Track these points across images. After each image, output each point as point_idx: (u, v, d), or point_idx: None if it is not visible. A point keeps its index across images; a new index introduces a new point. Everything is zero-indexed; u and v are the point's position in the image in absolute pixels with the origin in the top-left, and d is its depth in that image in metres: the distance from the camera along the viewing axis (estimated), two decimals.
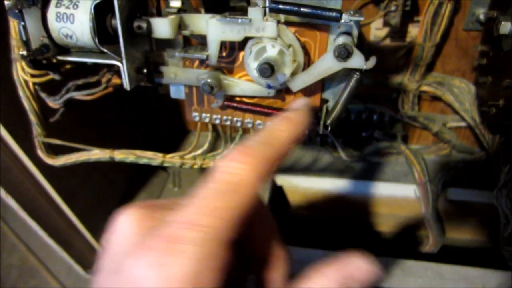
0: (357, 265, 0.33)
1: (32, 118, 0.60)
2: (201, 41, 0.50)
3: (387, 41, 0.80)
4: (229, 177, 0.30)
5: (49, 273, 1.12)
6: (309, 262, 0.74)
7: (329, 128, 0.47)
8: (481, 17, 0.71)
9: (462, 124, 0.86)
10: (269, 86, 0.46)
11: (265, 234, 0.38)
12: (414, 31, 0.77)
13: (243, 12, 0.45)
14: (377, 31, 0.79)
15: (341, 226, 1.04)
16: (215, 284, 0.28)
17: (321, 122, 0.48)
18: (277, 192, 0.99)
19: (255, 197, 0.30)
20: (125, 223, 0.31)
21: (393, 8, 0.71)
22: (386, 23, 0.76)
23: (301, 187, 0.99)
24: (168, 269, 0.26)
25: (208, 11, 0.51)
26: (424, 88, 0.83)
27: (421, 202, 0.90)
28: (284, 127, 0.35)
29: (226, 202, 0.29)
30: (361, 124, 0.91)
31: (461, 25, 0.75)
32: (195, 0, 0.52)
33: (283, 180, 0.99)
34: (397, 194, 0.96)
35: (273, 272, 0.38)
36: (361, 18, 0.41)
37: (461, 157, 0.90)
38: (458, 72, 0.81)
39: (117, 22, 0.45)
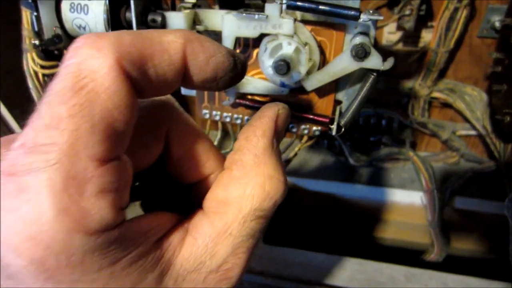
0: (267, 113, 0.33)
1: None
2: (214, 38, 0.49)
3: (400, 46, 0.80)
4: (75, 68, 0.23)
5: None
6: (312, 266, 0.73)
7: (343, 129, 0.47)
8: (497, 24, 0.71)
9: (472, 132, 0.85)
10: (283, 85, 0.45)
11: (189, 153, 0.33)
12: (427, 36, 0.77)
13: (258, 9, 0.45)
14: (390, 35, 0.78)
15: (346, 230, 1.03)
16: (100, 214, 0.23)
17: (335, 123, 0.47)
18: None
19: (122, 95, 0.23)
20: None
21: (407, 12, 0.70)
22: (399, 27, 0.75)
23: (307, 190, 0.98)
24: (15, 215, 0.21)
25: (222, 7, 0.51)
26: (435, 94, 0.82)
27: (427, 209, 0.89)
28: (171, 38, 0.26)
29: (74, 105, 0.22)
30: (370, 129, 0.90)
31: (476, 32, 0.74)
32: None
33: (288, 182, 0.98)
34: (403, 201, 0.95)
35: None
36: (381, 17, 0.40)
37: (469, 166, 0.90)
38: (470, 80, 0.81)
39: (132, 15, 0.45)
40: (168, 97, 0.32)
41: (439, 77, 0.80)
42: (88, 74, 0.22)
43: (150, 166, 0.31)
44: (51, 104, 0.22)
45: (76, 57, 0.23)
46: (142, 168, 0.31)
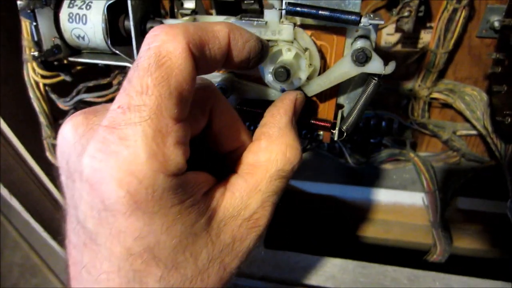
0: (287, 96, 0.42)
1: (42, 119, 0.59)
2: None
3: (399, 47, 0.79)
4: (157, 50, 0.29)
5: (50, 272, 1.12)
6: (315, 270, 0.73)
7: (345, 134, 0.46)
8: (496, 24, 0.70)
9: (473, 132, 0.84)
10: (283, 90, 0.45)
11: (227, 128, 0.39)
12: (426, 37, 0.77)
13: (256, 14, 0.44)
14: (388, 36, 0.78)
15: (347, 232, 1.03)
16: (176, 160, 0.29)
17: (337, 128, 0.47)
18: (283, 197, 0.98)
19: (189, 70, 0.30)
20: (66, 133, 0.32)
21: (406, 13, 0.70)
22: (398, 29, 0.75)
23: (308, 193, 0.98)
24: (118, 156, 0.27)
25: (219, 13, 0.50)
26: (435, 95, 0.82)
27: (429, 210, 0.89)
28: (219, 28, 0.33)
29: (157, 77, 0.28)
30: (370, 131, 0.90)
31: (475, 32, 0.74)
32: (206, 2, 0.51)
33: (288, 184, 0.98)
34: (405, 202, 0.95)
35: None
36: (381, 22, 0.40)
37: (470, 166, 0.89)
38: (470, 80, 0.80)
39: (130, 23, 0.45)
40: (210, 81, 0.38)
41: (438, 77, 0.79)
42: (166, 54, 0.29)
43: (197, 135, 0.37)
44: (139, 76, 0.28)
45: (156, 41, 0.29)
46: (191, 135, 0.35)
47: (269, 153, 0.37)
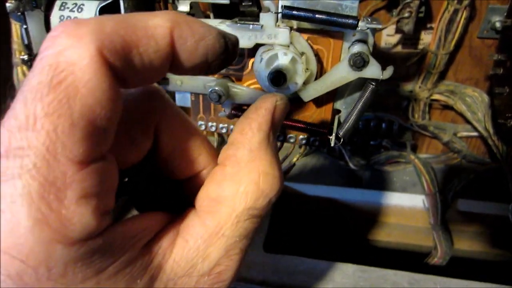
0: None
1: None
2: None
3: (399, 48, 0.78)
4: (52, 61, 0.21)
5: None
6: (315, 274, 0.72)
7: (341, 140, 0.46)
8: (497, 24, 0.69)
9: (474, 134, 0.84)
10: None
11: (180, 148, 0.31)
12: (426, 38, 0.76)
13: (254, 17, 0.43)
14: (388, 37, 0.77)
15: (347, 235, 1.02)
16: (82, 222, 0.21)
17: (333, 134, 0.46)
18: (282, 199, 0.97)
19: (104, 88, 0.21)
20: None
21: (406, 14, 0.69)
22: (398, 30, 0.74)
23: (307, 195, 0.97)
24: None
25: (217, 15, 0.49)
26: (436, 96, 0.81)
27: (430, 212, 0.88)
28: (157, 22, 0.24)
29: (51, 102, 0.20)
30: (370, 132, 0.89)
31: (476, 33, 0.73)
32: (204, 4, 0.50)
33: (287, 187, 0.97)
34: (405, 204, 0.94)
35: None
36: (379, 26, 0.39)
37: (471, 168, 0.89)
38: (471, 81, 0.79)
39: None
40: (156, 86, 0.30)
41: (439, 79, 0.79)
42: (66, 66, 0.20)
43: (139, 161, 0.30)
44: (26, 101, 0.20)
45: (53, 47, 0.21)
46: (130, 164, 0.29)
47: (237, 184, 0.29)
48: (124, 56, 0.22)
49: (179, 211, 0.30)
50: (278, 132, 0.34)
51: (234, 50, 0.29)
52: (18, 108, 0.20)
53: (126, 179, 0.31)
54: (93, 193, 0.22)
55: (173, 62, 0.25)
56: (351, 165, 0.91)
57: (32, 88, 0.20)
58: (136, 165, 0.29)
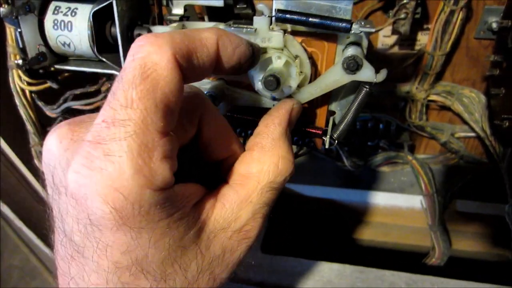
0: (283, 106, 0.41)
1: (29, 127, 0.59)
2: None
3: (395, 49, 0.78)
4: (142, 62, 0.29)
5: (50, 275, 1.12)
6: (312, 274, 0.72)
7: (336, 142, 0.46)
8: (494, 25, 0.69)
9: (471, 134, 0.84)
10: (274, 98, 0.44)
11: (217, 137, 0.39)
12: (423, 39, 0.76)
13: (248, 20, 0.43)
14: (385, 38, 0.77)
15: (344, 236, 1.02)
16: (163, 175, 0.28)
17: (327, 136, 0.46)
18: (280, 200, 0.97)
19: (175, 82, 0.29)
20: (51, 145, 0.32)
21: (402, 15, 0.69)
22: (395, 31, 0.74)
23: (305, 196, 0.97)
24: (102, 172, 0.27)
25: (212, 18, 0.49)
26: (433, 97, 0.81)
27: (428, 213, 0.88)
28: (207, 35, 0.33)
29: (142, 90, 0.28)
30: (367, 133, 0.89)
31: (472, 33, 0.73)
32: (199, 7, 0.50)
33: (286, 188, 0.97)
34: (403, 205, 0.94)
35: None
36: (372, 30, 0.39)
37: (469, 168, 0.89)
38: (467, 81, 0.79)
39: (117, 30, 0.44)
40: (199, 89, 0.38)
41: (436, 79, 0.78)
42: (152, 66, 0.28)
43: (186, 144, 0.36)
44: (124, 88, 0.28)
45: (141, 52, 0.29)
46: (180, 145, 0.35)
47: (262, 164, 0.37)
48: (188, 59, 0.31)
49: (214, 187, 0.37)
50: (293, 128, 0.42)
51: (258, 55, 0.39)
52: (118, 93, 0.28)
53: None
54: (170, 156, 0.29)
55: (217, 64, 0.34)
56: (348, 165, 0.90)
57: (128, 80, 0.28)
58: (184, 146, 0.36)
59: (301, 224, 1.02)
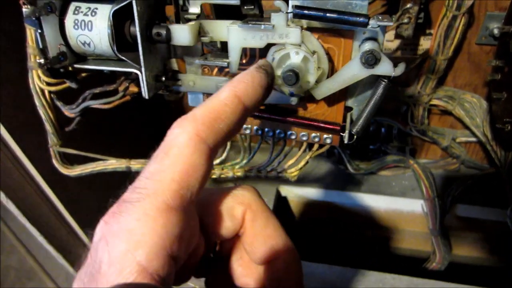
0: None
1: (48, 127, 0.59)
2: (214, 49, 0.49)
3: (398, 53, 0.80)
4: (168, 141, 0.30)
5: (47, 276, 1.11)
6: (313, 277, 0.72)
7: (355, 137, 0.46)
8: (495, 31, 0.71)
9: (473, 139, 0.85)
10: (292, 94, 0.44)
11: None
12: (426, 44, 0.77)
13: (256, 19, 0.44)
14: (388, 43, 0.78)
15: (346, 239, 1.03)
16: (161, 246, 0.28)
17: (347, 131, 0.47)
18: (282, 203, 0.98)
19: (193, 158, 0.30)
20: None
21: (405, 20, 0.70)
22: (398, 35, 0.75)
23: (306, 198, 0.98)
24: (110, 226, 0.28)
25: (218, 18, 0.50)
26: (435, 101, 0.82)
27: (429, 217, 0.89)
28: (225, 95, 0.33)
29: (162, 164, 0.29)
30: (369, 137, 0.90)
31: (474, 39, 0.75)
32: (206, 7, 0.51)
33: (287, 191, 0.98)
34: (404, 209, 0.95)
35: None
36: (390, 24, 0.40)
37: (470, 173, 0.90)
38: (469, 87, 0.81)
39: (136, 29, 0.44)
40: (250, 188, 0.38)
41: (438, 84, 0.80)
42: (173, 143, 0.30)
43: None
44: (156, 162, 0.30)
45: (169, 135, 0.31)
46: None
47: None
48: (211, 128, 0.31)
49: None
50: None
51: (273, 78, 0.39)
52: (149, 163, 0.30)
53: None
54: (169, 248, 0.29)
55: (245, 111, 0.34)
56: (350, 169, 0.91)
57: (156, 155, 0.30)
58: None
59: (301, 227, 1.02)
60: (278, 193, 0.96)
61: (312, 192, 0.97)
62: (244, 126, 0.52)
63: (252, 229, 0.36)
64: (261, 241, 0.36)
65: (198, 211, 0.33)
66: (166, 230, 0.28)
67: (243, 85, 0.34)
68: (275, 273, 0.36)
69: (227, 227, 0.35)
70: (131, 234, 0.27)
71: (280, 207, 0.97)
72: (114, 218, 0.28)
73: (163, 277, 0.28)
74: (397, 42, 0.78)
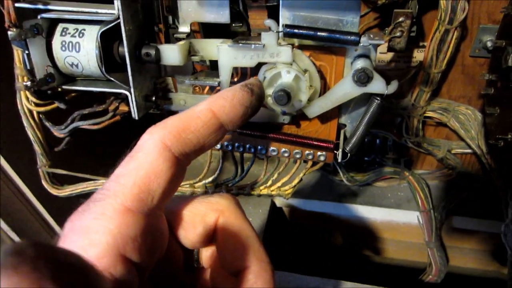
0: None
1: (37, 148, 0.58)
2: (206, 64, 0.49)
3: (392, 66, 0.79)
4: (136, 146, 0.31)
5: None
6: None
7: (348, 155, 0.46)
8: (488, 44, 0.70)
9: (468, 151, 0.84)
10: (284, 113, 0.44)
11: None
12: (419, 56, 0.77)
13: (245, 37, 0.44)
14: (381, 55, 0.78)
15: (341, 250, 1.02)
16: (113, 245, 0.28)
17: (340, 150, 0.46)
18: (277, 213, 0.97)
19: (156, 164, 0.30)
20: None
21: (398, 33, 0.70)
22: (391, 48, 0.75)
23: (301, 210, 0.97)
24: (73, 223, 0.28)
25: (206, 35, 0.50)
26: (429, 113, 0.81)
27: (424, 229, 0.88)
28: (200, 108, 0.34)
29: (126, 168, 0.30)
30: (364, 148, 0.90)
31: (468, 51, 0.74)
32: (195, 24, 0.50)
33: (283, 202, 0.97)
34: (400, 220, 0.94)
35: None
36: (381, 42, 0.40)
37: (466, 185, 0.89)
38: (464, 98, 0.80)
39: (125, 50, 0.44)
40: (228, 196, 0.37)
41: (432, 96, 0.79)
42: (139, 149, 0.31)
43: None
44: (121, 165, 0.30)
45: (140, 140, 0.31)
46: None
47: None
48: (179, 138, 0.32)
49: None
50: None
51: (263, 95, 0.39)
52: (119, 169, 0.30)
53: None
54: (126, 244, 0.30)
55: (221, 126, 0.34)
56: (345, 180, 0.91)
57: (124, 162, 0.30)
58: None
59: (297, 239, 1.02)
60: (273, 204, 0.95)
61: (307, 204, 0.96)
62: (237, 144, 0.52)
63: (222, 237, 0.35)
64: (231, 249, 0.34)
65: (169, 217, 0.34)
66: (120, 231, 0.28)
67: (221, 101, 0.34)
68: (246, 284, 0.34)
69: (198, 233, 0.34)
70: (87, 232, 0.28)
71: (275, 218, 0.96)
72: (77, 216, 0.29)
73: (116, 276, 0.28)
74: (390, 54, 0.78)
